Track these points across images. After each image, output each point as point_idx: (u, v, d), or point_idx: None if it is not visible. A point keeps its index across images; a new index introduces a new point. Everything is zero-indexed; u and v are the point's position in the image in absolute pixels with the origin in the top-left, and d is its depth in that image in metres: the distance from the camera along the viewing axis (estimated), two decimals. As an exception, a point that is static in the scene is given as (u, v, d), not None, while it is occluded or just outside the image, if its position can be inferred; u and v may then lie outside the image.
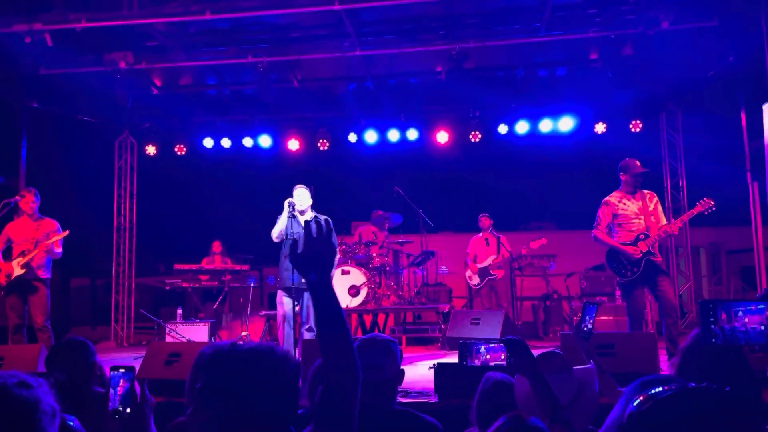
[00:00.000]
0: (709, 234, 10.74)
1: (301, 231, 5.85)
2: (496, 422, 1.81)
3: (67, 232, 6.42)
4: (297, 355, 5.40)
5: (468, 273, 8.88)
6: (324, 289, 1.59)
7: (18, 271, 6.23)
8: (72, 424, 1.78)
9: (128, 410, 1.95)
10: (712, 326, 1.64)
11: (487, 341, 2.35)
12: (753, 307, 1.69)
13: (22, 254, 6.27)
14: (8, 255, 6.38)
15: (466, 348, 2.35)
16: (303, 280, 5.49)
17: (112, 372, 2.03)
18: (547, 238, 8.62)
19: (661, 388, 0.97)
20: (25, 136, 8.37)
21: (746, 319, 1.67)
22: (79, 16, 6.84)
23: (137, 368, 4.99)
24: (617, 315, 7.92)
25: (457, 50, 7.71)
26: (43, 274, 6.35)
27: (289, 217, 5.93)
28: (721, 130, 8.34)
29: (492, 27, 7.71)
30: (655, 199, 5.79)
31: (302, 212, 6.12)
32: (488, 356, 2.33)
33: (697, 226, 9.00)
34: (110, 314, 10.16)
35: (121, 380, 1.99)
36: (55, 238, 6.33)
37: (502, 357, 2.29)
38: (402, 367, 2.68)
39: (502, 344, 2.29)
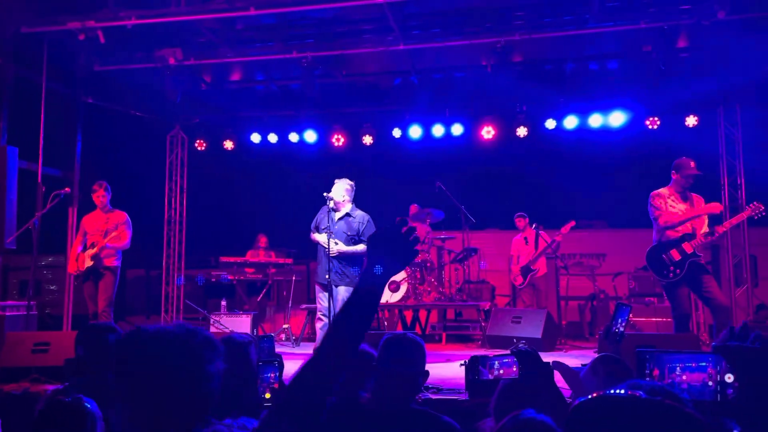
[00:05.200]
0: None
1: (332, 227, 5.82)
2: (503, 419, 1.76)
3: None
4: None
5: (513, 275, 8.77)
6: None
7: (88, 263, 6.58)
8: (89, 406, 1.82)
9: None
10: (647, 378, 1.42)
11: (500, 356, 2.30)
12: (693, 364, 1.40)
13: (92, 246, 6.60)
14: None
15: (477, 362, 2.30)
16: (327, 276, 5.49)
17: None
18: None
19: (622, 390, 0.92)
20: (80, 130, 8.67)
21: (684, 376, 1.40)
22: (129, 13, 7.05)
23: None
24: (659, 316, 7.64)
25: (503, 43, 7.55)
26: (111, 262, 6.66)
27: (327, 211, 5.90)
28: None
29: (539, 19, 7.53)
30: (702, 203, 5.57)
31: (336, 208, 5.95)
32: (501, 371, 2.28)
33: (756, 226, 8.58)
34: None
35: None
36: (112, 235, 6.58)
37: (515, 369, 2.24)
38: (428, 369, 2.67)
39: (513, 357, 2.23)
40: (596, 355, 2.95)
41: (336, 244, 5.83)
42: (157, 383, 1.27)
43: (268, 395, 2.18)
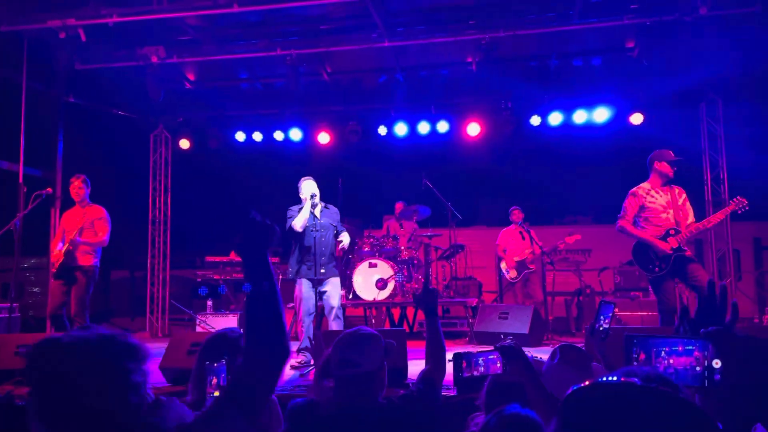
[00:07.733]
0: (751, 228, 10.34)
1: (316, 222, 5.88)
2: (489, 415, 1.75)
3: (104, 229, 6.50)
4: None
5: (504, 266, 8.72)
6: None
7: (59, 258, 6.25)
8: None
9: None
10: (635, 363, 1.41)
11: (484, 352, 2.29)
12: (680, 348, 1.38)
13: (70, 242, 6.30)
14: None
15: (461, 358, 2.29)
16: (322, 271, 5.54)
17: None
18: (582, 233, 8.42)
19: (615, 377, 0.91)
20: (61, 130, 8.57)
21: (671, 360, 1.37)
22: (111, 11, 6.97)
23: (161, 359, 5.06)
24: (644, 310, 7.71)
25: (488, 39, 7.55)
26: (87, 261, 6.33)
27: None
28: (764, 120, 8.00)
29: (523, 15, 7.55)
30: (684, 195, 5.58)
31: (314, 205, 6.09)
32: (486, 367, 2.28)
33: (739, 220, 8.66)
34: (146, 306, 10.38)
35: None
36: (87, 230, 6.36)
37: (499, 365, 2.24)
38: (416, 365, 2.58)
39: (497, 353, 2.23)
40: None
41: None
42: (74, 397, 1.19)
43: (216, 393, 2.11)
